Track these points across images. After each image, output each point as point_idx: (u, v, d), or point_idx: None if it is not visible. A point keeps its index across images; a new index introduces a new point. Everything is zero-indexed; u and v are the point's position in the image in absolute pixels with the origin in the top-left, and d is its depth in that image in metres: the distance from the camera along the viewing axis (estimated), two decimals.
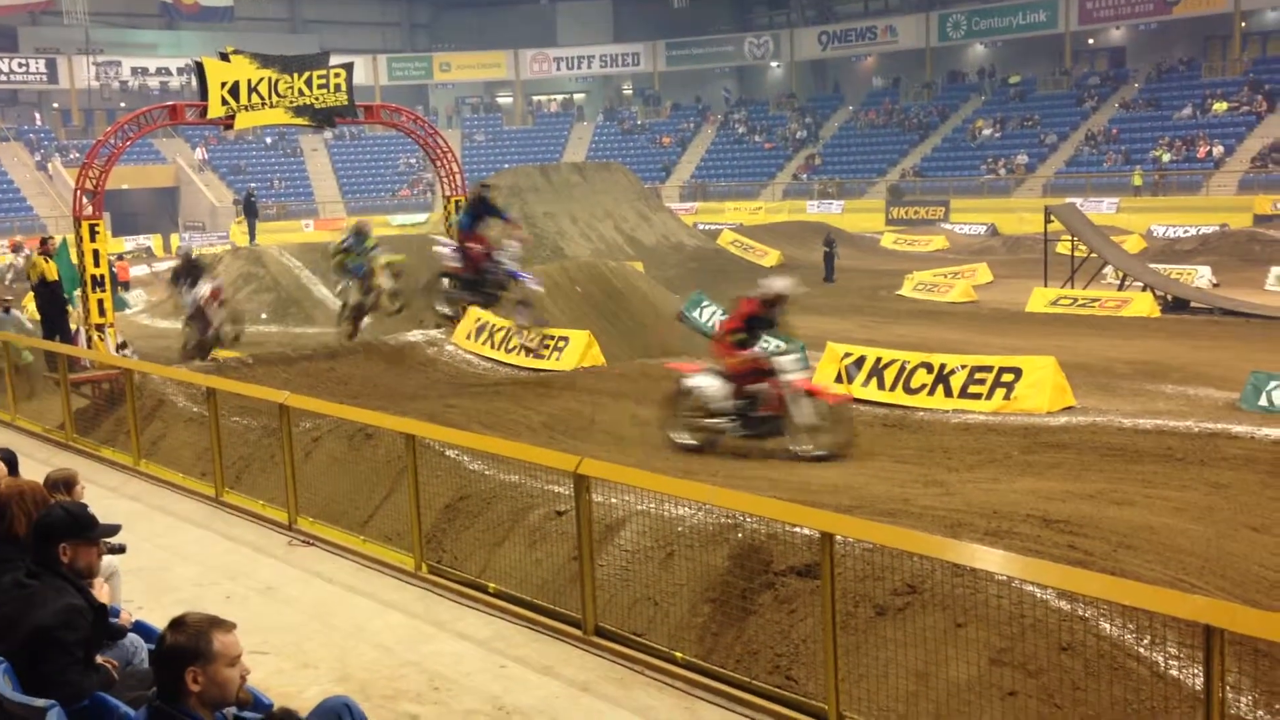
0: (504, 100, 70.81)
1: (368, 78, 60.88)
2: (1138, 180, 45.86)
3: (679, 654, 6.18)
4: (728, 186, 59.00)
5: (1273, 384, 14.08)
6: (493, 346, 17.38)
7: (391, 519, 9.45)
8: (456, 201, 18.90)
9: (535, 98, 70.41)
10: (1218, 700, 4.50)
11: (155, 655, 3.74)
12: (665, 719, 5.56)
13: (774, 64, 67.79)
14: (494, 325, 17.62)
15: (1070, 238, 30.25)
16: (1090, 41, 57.77)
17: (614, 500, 8.11)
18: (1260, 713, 5.43)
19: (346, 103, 17.39)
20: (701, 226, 45.23)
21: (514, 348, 17.06)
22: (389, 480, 10.15)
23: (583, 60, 69.58)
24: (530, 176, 36.35)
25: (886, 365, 13.94)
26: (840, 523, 5.84)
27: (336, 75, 17.22)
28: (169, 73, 60.96)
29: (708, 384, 12.22)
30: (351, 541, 8.41)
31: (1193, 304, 26.64)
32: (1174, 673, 5.71)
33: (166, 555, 8.18)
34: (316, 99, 17.02)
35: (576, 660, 6.21)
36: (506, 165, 42.89)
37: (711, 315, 20.96)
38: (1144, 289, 27.17)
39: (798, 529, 6.91)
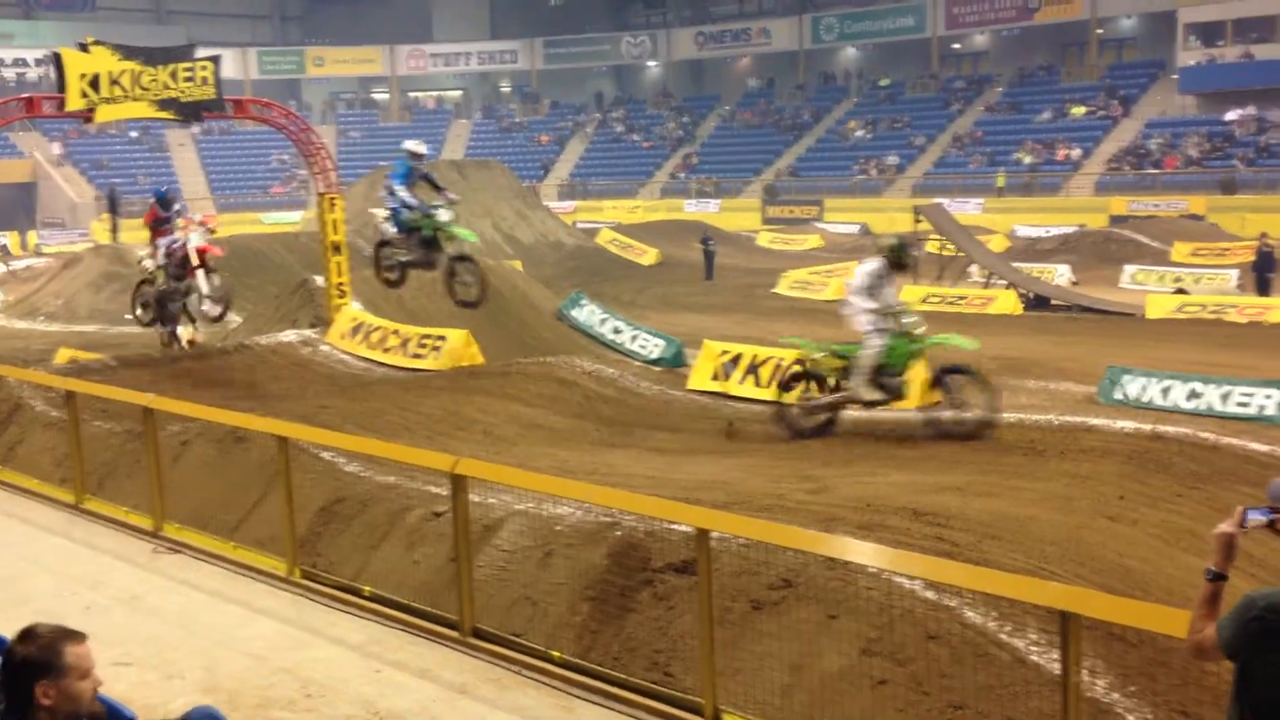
0: (380, 96, 69.74)
1: (237, 72, 59.32)
2: (1001, 182, 47.34)
3: (556, 653, 6.19)
4: (606, 185, 59.10)
5: (1126, 378, 14.70)
6: (369, 346, 17.12)
7: (264, 524, 9.23)
8: (331, 199, 18.52)
9: (412, 94, 69.53)
10: (1073, 683, 4.69)
11: (3, 669, 3.59)
12: (542, 718, 5.56)
13: (651, 63, 68.17)
14: (370, 325, 17.36)
15: (938, 237, 31.12)
16: (956, 46, 59.45)
17: (493, 500, 8.07)
18: (1115, 695, 5.66)
19: (214, 96, 16.90)
20: (580, 225, 45.24)
21: (391, 348, 16.84)
22: (261, 484, 9.91)
23: (460, 57, 68.96)
24: None
25: (763, 362, 14.14)
26: (715, 519, 5.92)
27: (203, 68, 16.71)
28: (26, 64, 58.50)
29: None
30: (221, 547, 8.20)
31: (1053, 301, 27.66)
32: (1035, 658, 5.91)
33: (24, 565, 7.88)
34: (182, 92, 16.49)
35: (454, 662, 6.17)
36: (383, 163, 42.20)
37: (591, 314, 20.98)
38: (1008, 287, 28.09)
39: (675, 526, 6.97)
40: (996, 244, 37.16)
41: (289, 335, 18.09)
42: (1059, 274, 32.00)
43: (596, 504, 7.23)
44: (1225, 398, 13.78)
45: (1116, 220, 41.43)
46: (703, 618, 5.56)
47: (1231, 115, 45.57)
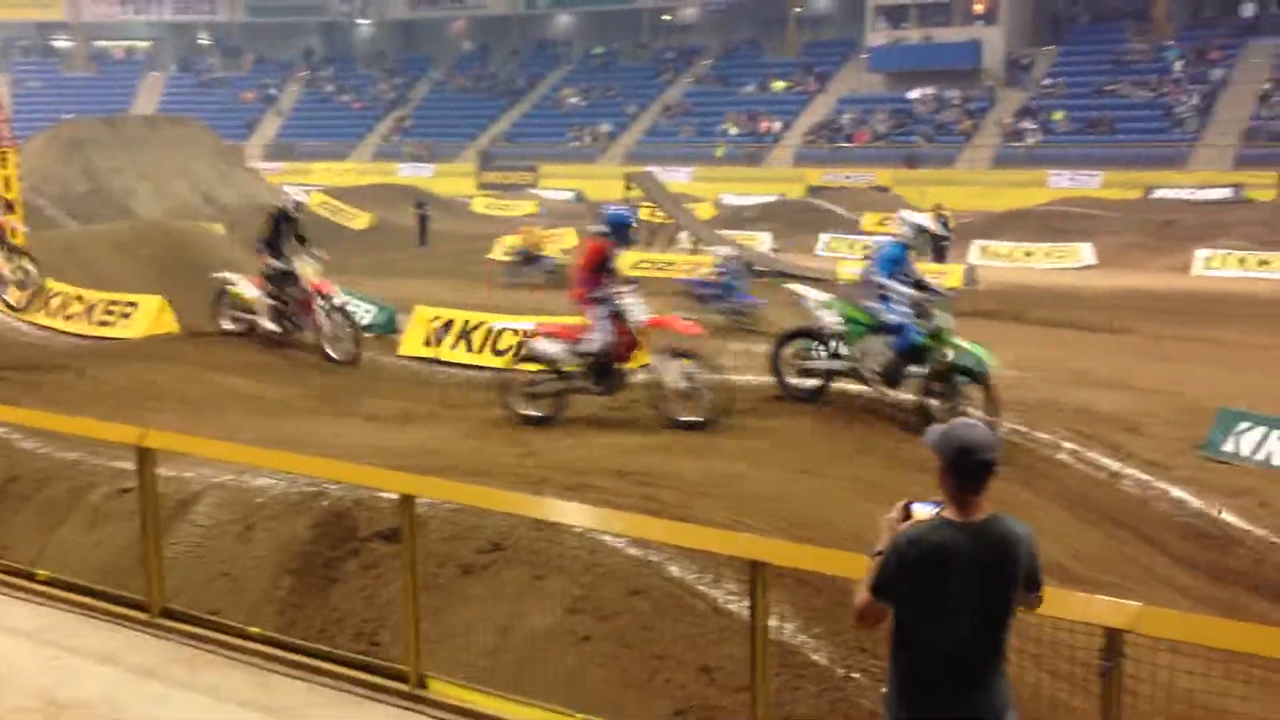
0: (61, 44, 64.42)
1: None
2: (720, 151, 48.93)
3: (254, 629, 5.96)
4: (316, 146, 57.04)
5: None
6: (49, 314, 15.86)
7: None
8: (3, 153, 16.93)
9: (98, 43, 64.59)
10: (761, 627, 4.95)
11: None
12: (237, 696, 5.35)
13: (362, 22, 66.15)
14: (49, 291, 16.07)
15: (649, 204, 31.83)
16: (666, 18, 60.84)
17: (189, 474, 7.67)
18: (802, 637, 6.00)
19: None
20: (288, 188, 43.47)
21: (74, 314, 15.65)
22: None
23: (151, 5, 64.61)
24: (93, 129, 33.32)
25: (474, 328, 14.07)
26: (419, 484, 5.86)
27: None
28: None
29: None
30: None
31: (756, 268, 28.87)
32: (731, 606, 6.19)
33: None
34: None
35: (141, 645, 5.84)
36: (66, 115, 39.07)
37: None
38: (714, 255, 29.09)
39: (381, 493, 6.85)
40: (704, 212, 38.40)
41: None
42: (762, 241, 33.42)
43: (299, 473, 7.00)
44: None
45: (813, 190, 43.68)
46: (407, 584, 5.51)
47: (914, 94, 48.88)
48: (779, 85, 52.81)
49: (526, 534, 6.84)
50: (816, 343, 11.08)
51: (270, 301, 14.18)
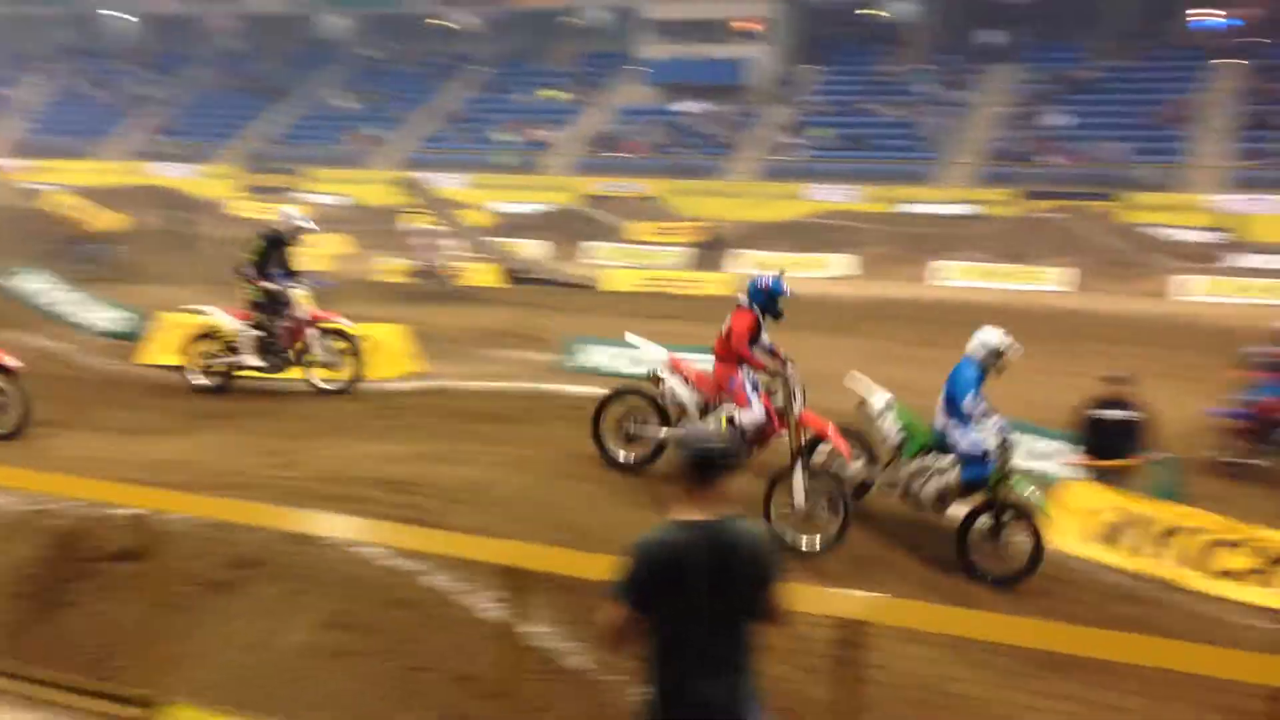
0: None
1: None
2: (498, 158, 48.67)
3: None
4: (68, 143, 53.60)
5: (584, 346, 15.76)
6: None
7: None
8: None
9: None
10: (519, 633, 4.96)
11: None
12: None
13: (119, 15, 62.71)
14: None
15: (424, 210, 31.46)
16: (441, 23, 60.21)
17: None
18: (561, 642, 6.04)
19: None
20: (33, 186, 40.73)
21: None
22: None
23: None
24: None
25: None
26: (161, 499, 5.59)
27: None
28: None
29: None
30: None
31: (532, 275, 28.97)
32: (491, 614, 6.17)
33: None
34: None
35: None
36: None
37: (37, 285, 18.91)
38: (490, 260, 29.03)
39: (119, 510, 6.50)
40: (480, 219, 38.21)
41: None
42: (536, 249, 33.54)
43: (27, 490, 6.56)
44: None
45: (588, 200, 44.10)
46: (149, 605, 5.24)
47: (685, 107, 50.05)
48: (553, 94, 53.07)
49: (283, 548, 6.63)
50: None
51: (255, 333, 12.25)
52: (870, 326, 22.31)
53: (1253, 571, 9.98)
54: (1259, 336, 14.61)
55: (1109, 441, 11.01)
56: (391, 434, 10.95)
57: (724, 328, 9.07)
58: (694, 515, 3.83)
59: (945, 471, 9.29)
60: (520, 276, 28.38)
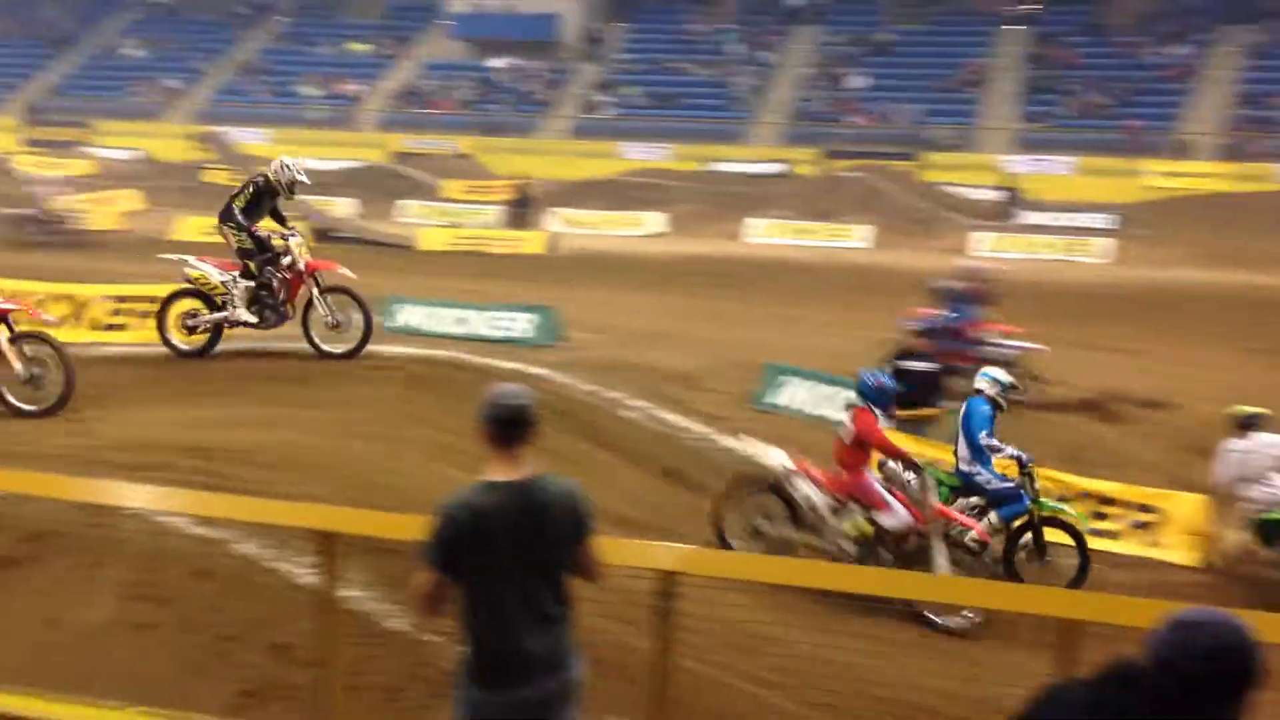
0: None
1: None
2: (302, 112, 46.99)
3: None
4: None
5: (404, 307, 15.51)
6: None
7: None
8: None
9: None
10: (334, 598, 4.87)
11: None
12: None
13: None
14: None
15: (223, 166, 30.21)
16: None
17: None
18: (379, 605, 5.97)
19: None
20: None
21: None
22: None
23: None
24: None
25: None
26: None
27: None
28: None
29: None
30: None
31: (342, 234, 28.22)
32: (305, 580, 6.04)
33: None
34: None
35: None
36: None
37: None
38: (297, 218, 28.12)
39: None
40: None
41: None
42: (345, 207, 32.71)
43: None
44: (487, 322, 15.09)
45: (397, 156, 43.16)
46: None
47: (495, 63, 49.43)
48: (358, 47, 51.57)
49: (77, 519, 6.34)
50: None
51: (246, 283, 11.02)
52: (683, 284, 22.65)
53: None
54: (1038, 288, 15.51)
55: (910, 392, 11.49)
56: (198, 398, 10.53)
57: (843, 433, 8.72)
58: (504, 475, 3.82)
59: (983, 512, 9.28)
60: (329, 235, 27.61)
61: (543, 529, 3.82)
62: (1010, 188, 35.89)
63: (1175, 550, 9.94)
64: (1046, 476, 10.59)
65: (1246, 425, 9.83)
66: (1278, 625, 6.19)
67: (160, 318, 11.22)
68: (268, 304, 11.07)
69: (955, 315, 14.12)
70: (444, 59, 50.77)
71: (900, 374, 11.60)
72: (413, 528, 4.89)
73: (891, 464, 8.56)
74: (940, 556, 8.31)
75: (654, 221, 33.52)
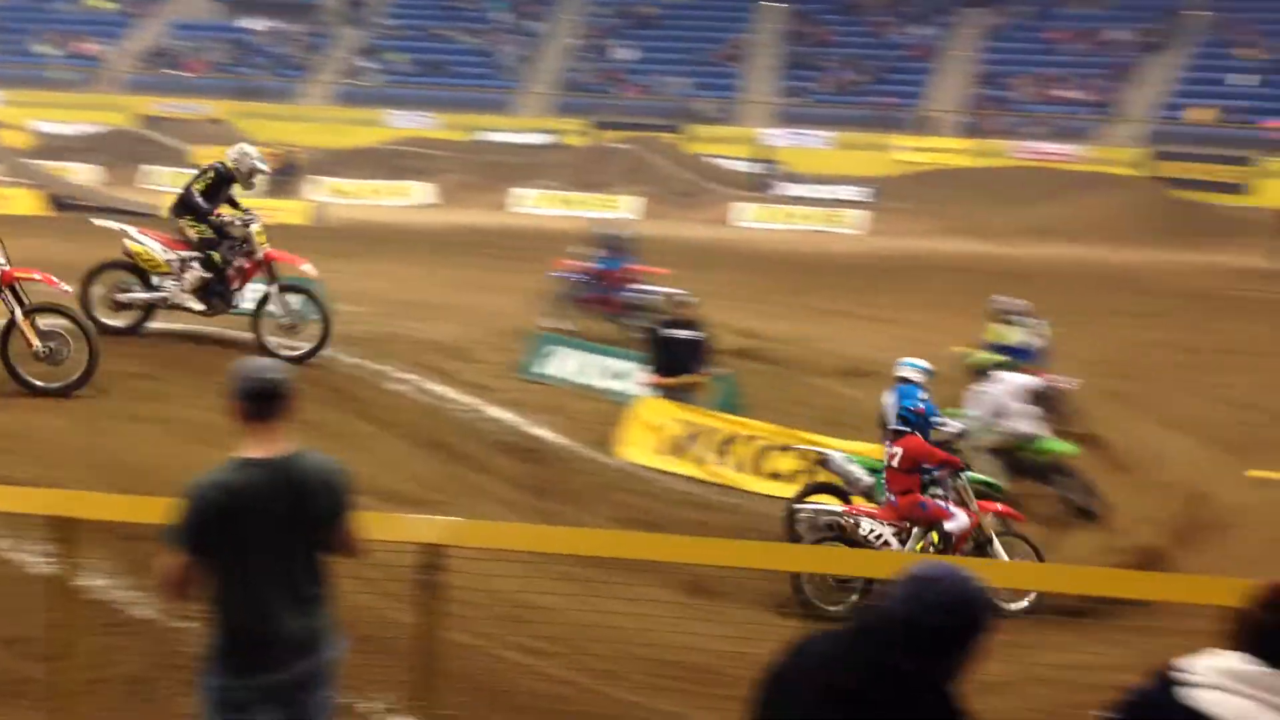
0: None
1: None
2: (39, 72, 43.70)
3: None
4: None
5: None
6: None
7: None
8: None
9: None
10: (73, 586, 4.59)
11: None
12: None
13: None
14: None
15: None
16: None
17: None
18: (133, 592, 5.67)
19: None
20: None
21: None
22: None
23: None
24: None
25: None
26: None
27: None
28: None
29: None
30: None
31: (82, 202, 26.50)
32: (44, 568, 5.67)
33: None
34: None
35: None
36: None
37: None
38: (30, 185, 26.28)
39: None
40: (17, 140, 34.43)
41: None
42: (86, 174, 30.76)
43: None
44: (248, 295, 14.44)
45: (145, 121, 40.83)
46: None
47: (251, 23, 47.33)
48: (100, 4, 48.37)
49: None
50: None
51: (201, 272, 10.29)
52: (452, 255, 22.37)
53: (798, 473, 11.08)
54: (798, 258, 16.06)
55: (676, 360, 11.73)
56: None
57: (889, 461, 8.74)
58: (259, 452, 3.67)
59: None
60: (64, 203, 25.89)
61: (300, 506, 3.70)
62: (770, 160, 37.04)
63: None
64: (807, 440, 11.06)
65: (983, 372, 10.88)
66: (1014, 573, 6.68)
67: (85, 289, 10.27)
68: (217, 292, 10.44)
69: (604, 265, 15.39)
70: (193, 18, 48.25)
71: (665, 342, 11.81)
72: (161, 510, 4.66)
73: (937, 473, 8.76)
74: (1000, 548, 8.64)
75: (422, 191, 32.96)
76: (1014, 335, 12.38)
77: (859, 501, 9.16)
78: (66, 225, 22.85)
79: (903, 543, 8.57)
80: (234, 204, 10.74)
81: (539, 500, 9.79)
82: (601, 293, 15.28)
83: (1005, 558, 8.55)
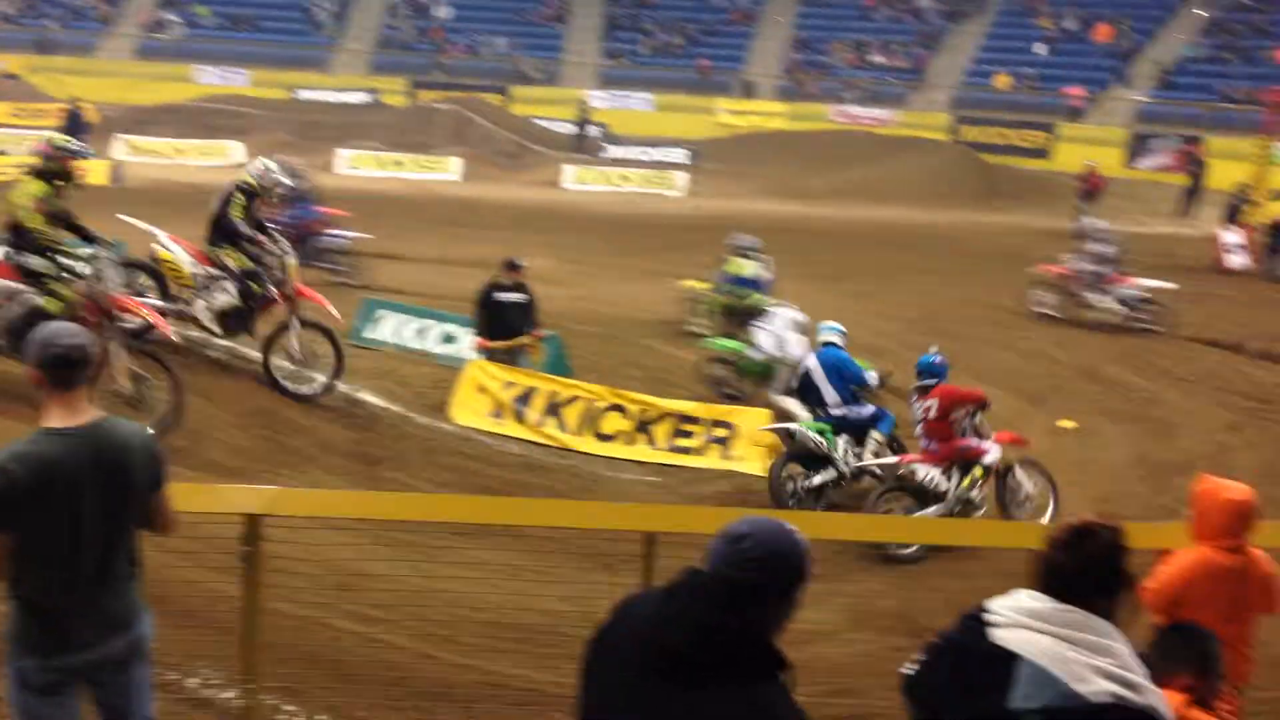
0: None
1: None
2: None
3: None
4: None
5: None
6: None
7: None
8: None
9: None
10: None
11: None
12: None
13: None
14: None
15: None
16: None
17: None
18: None
19: None
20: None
21: None
22: None
23: None
24: None
25: None
26: None
27: None
28: None
29: None
30: None
31: None
32: None
33: None
34: None
35: None
36: None
37: None
38: None
39: None
40: None
41: None
42: None
43: None
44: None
45: None
46: None
47: None
48: None
49: None
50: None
51: (231, 299, 9.91)
52: None
53: (626, 432, 11.20)
54: (624, 219, 16.03)
55: (504, 322, 11.67)
56: None
57: (924, 414, 9.31)
58: (66, 422, 3.50)
59: (860, 441, 9.97)
60: None
61: (111, 478, 3.54)
62: (594, 122, 36.98)
63: (747, 461, 10.75)
64: (633, 399, 11.17)
65: (743, 310, 13.20)
66: (827, 524, 6.90)
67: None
68: (242, 320, 10.14)
69: (296, 214, 15.39)
70: None
71: (494, 305, 11.73)
72: None
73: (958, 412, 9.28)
74: (1022, 474, 9.41)
75: (235, 151, 31.70)
76: (748, 269, 13.99)
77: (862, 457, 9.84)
78: None
79: (951, 482, 9.17)
80: (264, 229, 10.34)
81: (369, 467, 9.62)
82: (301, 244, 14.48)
83: (1029, 485, 9.37)
